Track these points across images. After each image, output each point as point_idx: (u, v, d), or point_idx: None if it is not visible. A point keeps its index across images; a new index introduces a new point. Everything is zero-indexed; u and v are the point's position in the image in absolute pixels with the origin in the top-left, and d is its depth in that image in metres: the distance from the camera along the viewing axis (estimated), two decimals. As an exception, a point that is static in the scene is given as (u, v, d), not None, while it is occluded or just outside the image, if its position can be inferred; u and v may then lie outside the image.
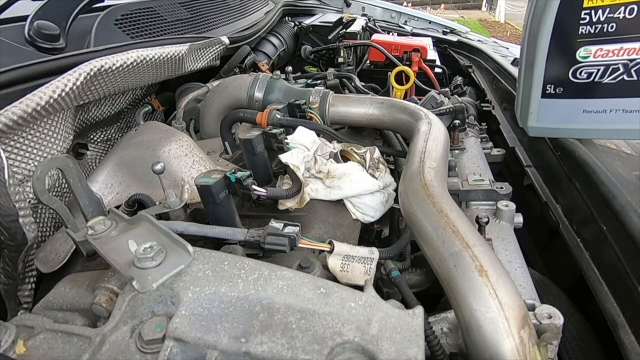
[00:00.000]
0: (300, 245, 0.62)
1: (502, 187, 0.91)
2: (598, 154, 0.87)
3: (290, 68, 1.47)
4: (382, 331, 0.46)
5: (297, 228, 0.62)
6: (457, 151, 1.16)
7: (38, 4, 0.98)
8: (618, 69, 0.70)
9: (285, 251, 0.61)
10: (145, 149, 0.85)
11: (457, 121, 1.13)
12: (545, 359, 0.45)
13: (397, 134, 1.11)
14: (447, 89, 1.55)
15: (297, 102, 1.01)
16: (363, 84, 1.50)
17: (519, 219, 0.87)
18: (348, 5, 2.93)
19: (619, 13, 0.68)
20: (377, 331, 0.46)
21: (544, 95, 0.77)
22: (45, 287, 0.72)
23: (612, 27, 0.69)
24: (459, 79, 1.78)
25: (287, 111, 1.01)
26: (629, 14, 0.67)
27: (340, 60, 1.82)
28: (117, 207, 0.75)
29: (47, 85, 0.75)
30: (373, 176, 0.86)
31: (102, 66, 0.84)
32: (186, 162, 0.85)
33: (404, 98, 1.42)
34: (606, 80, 0.71)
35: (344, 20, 2.13)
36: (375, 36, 2.06)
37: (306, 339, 0.46)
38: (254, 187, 0.68)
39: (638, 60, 0.68)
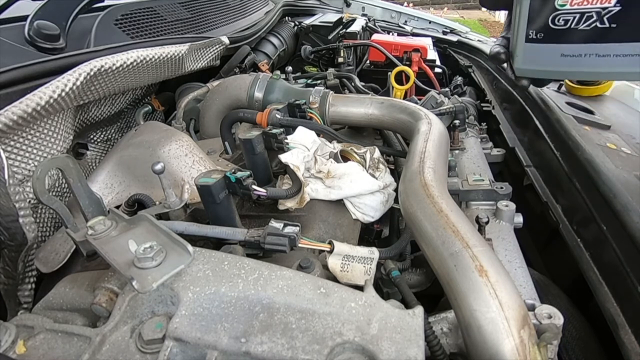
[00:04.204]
0: (300, 245, 0.62)
1: (502, 187, 0.91)
2: (598, 154, 0.88)
3: (290, 68, 1.46)
4: (382, 331, 0.46)
5: (297, 228, 0.62)
6: (457, 151, 1.16)
7: (38, 4, 0.98)
8: (592, 16, 0.73)
9: (285, 251, 0.61)
10: (145, 149, 0.85)
11: (457, 121, 1.13)
12: (545, 359, 0.45)
13: (397, 134, 1.11)
14: (447, 89, 1.55)
15: (297, 102, 1.01)
16: (363, 84, 1.50)
17: (519, 219, 0.87)
18: (348, 5, 2.93)
19: None
20: (377, 331, 0.46)
21: (527, 40, 0.81)
22: (45, 287, 0.72)
23: None
24: (459, 79, 1.78)
25: (287, 111, 1.01)
26: None
27: (340, 60, 1.82)
28: (117, 207, 0.75)
29: (47, 85, 0.75)
30: (373, 176, 0.86)
31: (102, 66, 0.84)
32: (186, 162, 0.85)
33: (404, 98, 1.42)
34: (581, 27, 0.75)
35: (344, 20, 2.13)
36: (375, 36, 2.06)
37: (306, 339, 0.46)
38: (254, 187, 0.68)
39: (610, 9, 0.71)
